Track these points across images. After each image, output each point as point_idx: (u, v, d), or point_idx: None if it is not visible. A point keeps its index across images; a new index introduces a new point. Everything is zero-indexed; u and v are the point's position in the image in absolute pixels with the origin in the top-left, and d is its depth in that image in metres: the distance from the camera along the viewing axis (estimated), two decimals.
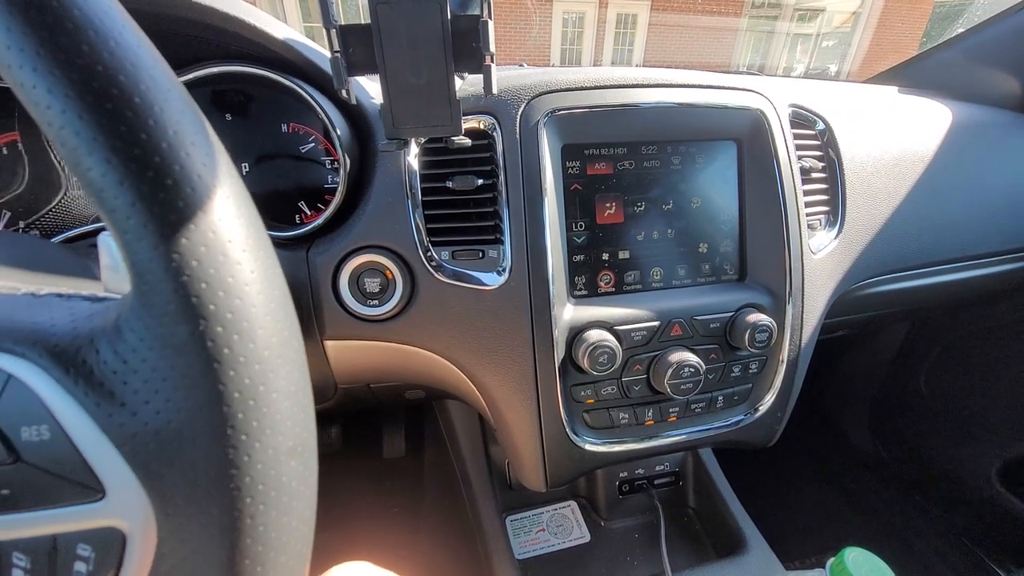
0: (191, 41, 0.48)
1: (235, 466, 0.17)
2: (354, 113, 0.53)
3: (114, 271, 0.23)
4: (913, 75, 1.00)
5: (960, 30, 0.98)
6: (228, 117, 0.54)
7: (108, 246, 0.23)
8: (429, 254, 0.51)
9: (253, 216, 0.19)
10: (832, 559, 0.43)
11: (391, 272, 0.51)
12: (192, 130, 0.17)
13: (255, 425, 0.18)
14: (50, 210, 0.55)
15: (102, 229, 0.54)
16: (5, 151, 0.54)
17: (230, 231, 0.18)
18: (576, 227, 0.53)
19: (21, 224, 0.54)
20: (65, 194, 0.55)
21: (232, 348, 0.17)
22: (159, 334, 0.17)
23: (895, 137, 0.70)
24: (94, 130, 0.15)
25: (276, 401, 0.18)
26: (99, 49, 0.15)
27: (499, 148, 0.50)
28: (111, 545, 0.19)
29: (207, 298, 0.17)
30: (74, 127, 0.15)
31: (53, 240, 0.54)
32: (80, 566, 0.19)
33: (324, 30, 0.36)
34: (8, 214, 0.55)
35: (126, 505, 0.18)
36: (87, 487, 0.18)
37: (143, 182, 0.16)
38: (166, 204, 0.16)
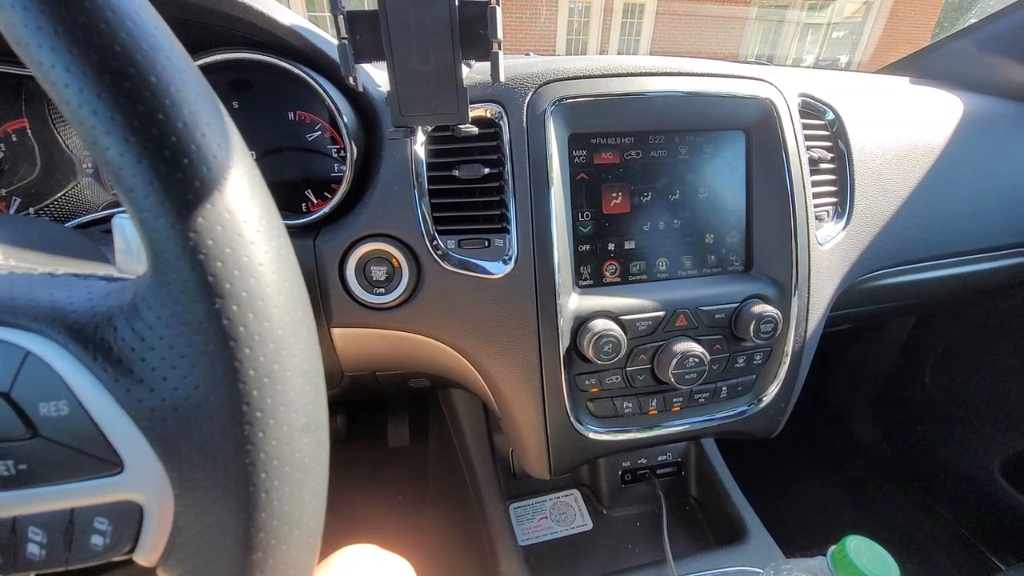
0: (197, 28, 0.48)
1: (251, 442, 0.18)
2: (361, 101, 0.53)
3: (128, 253, 0.24)
4: (924, 66, 0.99)
5: (973, 20, 0.96)
6: (235, 105, 0.54)
7: (122, 229, 0.24)
8: (435, 243, 0.51)
9: (266, 197, 0.19)
10: (834, 547, 0.43)
11: (397, 260, 0.51)
12: (207, 112, 0.17)
13: (270, 402, 0.18)
14: (61, 197, 0.55)
15: (112, 216, 0.54)
16: (15, 138, 0.54)
17: (245, 211, 0.18)
18: (582, 217, 0.53)
19: (32, 210, 0.55)
20: (79, 182, 0.56)
21: (247, 326, 0.17)
22: (176, 312, 0.17)
23: (905, 128, 0.69)
24: (112, 109, 0.15)
25: (290, 379, 0.18)
26: (117, 29, 0.15)
27: (506, 137, 0.50)
28: (129, 518, 0.19)
29: (223, 277, 0.17)
30: (92, 106, 0.15)
31: (66, 226, 0.54)
32: (97, 539, 0.20)
33: (331, 16, 0.36)
34: (19, 200, 0.55)
35: (144, 479, 0.18)
36: (105, 461, 0.18)
37: (160, 161, 0.16)
38: (183, 184, 0.16)
